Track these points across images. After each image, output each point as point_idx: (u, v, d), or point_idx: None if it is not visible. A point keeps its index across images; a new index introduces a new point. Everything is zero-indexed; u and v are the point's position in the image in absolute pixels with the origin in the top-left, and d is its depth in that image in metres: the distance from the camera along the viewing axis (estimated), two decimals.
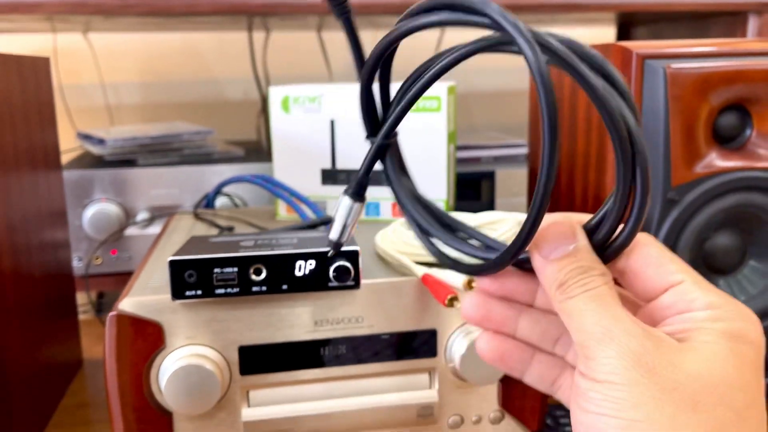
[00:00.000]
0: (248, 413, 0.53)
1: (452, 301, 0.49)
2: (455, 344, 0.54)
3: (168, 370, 0.49)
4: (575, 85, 0.67)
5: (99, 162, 1.04)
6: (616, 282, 0.33)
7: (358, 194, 0.37)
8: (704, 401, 0.26)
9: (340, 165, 0.75)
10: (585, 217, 0.34)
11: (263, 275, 0.49)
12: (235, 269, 0.49)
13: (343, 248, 0.50)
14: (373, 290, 0.53)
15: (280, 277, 0.49)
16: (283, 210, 0.77)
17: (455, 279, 0.50)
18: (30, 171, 0.63)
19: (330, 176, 0.75)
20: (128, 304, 0.50)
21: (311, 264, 0.49)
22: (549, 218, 0.33)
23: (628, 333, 0.28)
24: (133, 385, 0.50)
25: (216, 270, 0.48)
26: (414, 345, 0.54)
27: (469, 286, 0.50)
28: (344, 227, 0.37)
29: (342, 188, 0.75)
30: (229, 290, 0.49)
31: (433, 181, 0.73)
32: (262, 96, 1.30)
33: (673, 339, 0.29)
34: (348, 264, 0.49)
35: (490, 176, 1.11)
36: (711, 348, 0.28)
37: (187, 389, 0.49)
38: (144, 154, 1.02)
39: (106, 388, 0.50)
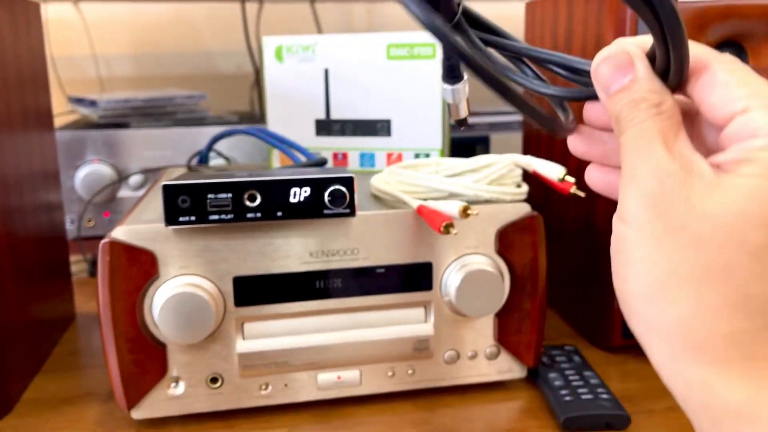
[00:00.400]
0: (243, 345, 0.53)
1: (448, 228, 0.49)
2: (450, 277, 0.54)
3: (161, 299, 0.49)
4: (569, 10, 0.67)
5: (93, 125, 1.03)
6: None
7: (453, 77, 0.36)
8: (711, 240, 0.25)
9: (335, 115, 0.74)
10: (650, 41, 0.30)
11: (258, 201, 0.49)
12: (229, 195, 0.48)
13: (338, 174, 0.49)
14: (369, 222, 0.53)
15: (274, 204, 0.49)
16: (277, 161, 0.77)
17: (451, 207, 0.50)
18: (22, 131, 0.63)
19: (324, 127, 0.75)
20: (121, 231, 0.49)
21: (306, 191, 0.49)
22: (609, 48, 0.30)
23: (653, 172, 0.27)
24: (126, 315, 0.50)
25: (210, 195, 0.48)
26: (409, 278, 0.54)
27: (464, 214, 0.49)
28: (459, 105, 0.37)
29: (336, 139, 0.75)
30: (223, 216, 0.48)
31: (428, 132, 0.73)
32: (256, 68, 1.29)
33: (713, 173, 0.27)
34: (343, 188, 0.49)
35: (484, 141, 1.10)
36: (748, 182, 0.26)
37: (181, 318, 0.49)
38: (136, 118, 1.02)
39: (99, 318, 0.50)
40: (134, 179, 0.96)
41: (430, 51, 0.71)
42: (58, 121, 1.14)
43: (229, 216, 0.48)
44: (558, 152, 0.72)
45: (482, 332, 0.56)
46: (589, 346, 0.66)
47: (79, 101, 1.06)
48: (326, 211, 0.49)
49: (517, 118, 1.17)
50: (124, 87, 1.34)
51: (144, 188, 0.96)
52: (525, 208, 0.55)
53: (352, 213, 0.50)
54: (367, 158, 0.75)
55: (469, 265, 0.53)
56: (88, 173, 0.94)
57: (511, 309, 0.56)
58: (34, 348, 0.63)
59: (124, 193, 0.97)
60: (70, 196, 0.95)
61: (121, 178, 0.94)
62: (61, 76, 1.28)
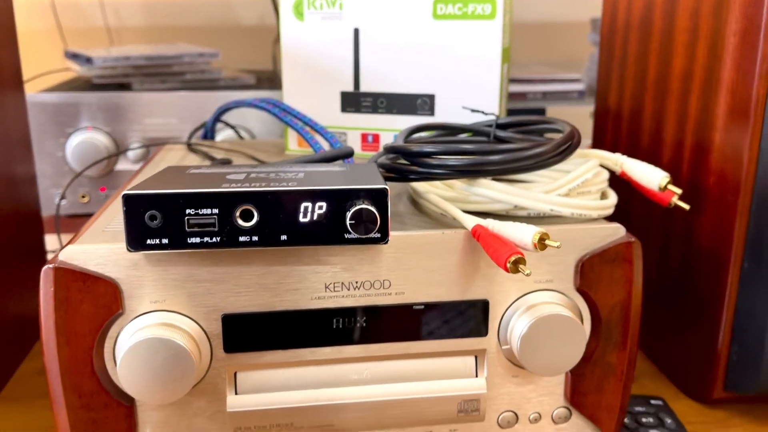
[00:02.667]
0: (235, 402, 0.40)
1: (517, 265, 0.35)
2: (514, 321, 0.40)
3: (125, 345, 0.36)
4: None
5: (88, 86, 0.90)
6: None
7: None
8: None
9: (365, 87, 0.60)
10: None
11: (254, 220, 0.35)
12: (215, 211, 0.35)
13: (366, 185, 0.35)
14: (404, 245, 0.39)
15: (276, 224, 0.35)
16: (293, 142, 0.63)
17: (522, 234, 0.36)
18: None
19: (352, 101, 0.61)
20: (72, 252, 0.37)
21: (321, 207, 0.35)
22: None
23: None
24: (79, 363, 0.37)
25: (189, 211, 0.35)
26: (458, 320, 0.41)
27: (541, 245, 0.36)
28: None
29: (366, 117, 0.61)
30: (206, 240, 0.35)
31: (485, 100, 0.58)
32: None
33: None
34: (372, 208, 0.35)
35: (540, 114, 0.95)
36: None
37: (152, 371, 0.36)
38: (139, 78, 0.88)
39: (45, 365, 0.37)
40: (134, 149, 0.84)
41: (489, 9, 0.55)
42: (55, 80, 1.01)
43: (215, 239, 0.35)
44: (647, 138, 0.57)
45: (550, 390, 0.43)
46: (677, 393, 0.52)
47: (74, 57, 0.93)
48: (348, 236, 0.36)
49: (577, 87, 1.01)
50: (134, 38, 1.20)
51: (144, 161, 0.83)
52: (617, 231, 0.41)
53: (384, 239, 0.36)
54: None
55: (539, 306, 0.40)
56: (81, 142, 0.82)
57: (591, 362, 0.42)
58: None
59: (122, 165, 0.84)
60: (61, 169, 0.83)
61: (119, 152, 0.81)
62: (63, 24, 1.14)
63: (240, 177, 0.38)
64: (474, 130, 0.49)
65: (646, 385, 0.53)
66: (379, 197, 0.35)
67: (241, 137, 0.82)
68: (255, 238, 0.35)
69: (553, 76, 1.01)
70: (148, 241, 0.35)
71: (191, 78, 0.92)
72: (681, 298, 0.52)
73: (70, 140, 0.82)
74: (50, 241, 0.77)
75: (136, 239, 0.35)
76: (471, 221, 0.39)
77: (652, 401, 0.48)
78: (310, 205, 0.35)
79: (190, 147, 0.65)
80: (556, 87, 1.02)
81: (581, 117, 0.94)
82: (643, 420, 0.46)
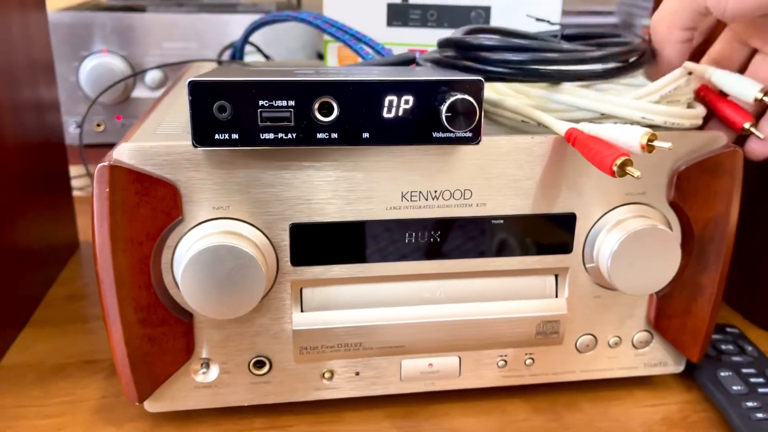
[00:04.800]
0: (301, 319, 0.37)
1: (624, 167, 0.32)
2: (602, 237, 0.37)
3: (186, 254, 0.33)
4: None
5: (101, 6, 0.85)
6: None
7: None
8: None
9: None
10: None
11: (334, 114, 0.31)
12: (291, 103, 0.31)
13: (461, 76, 0.32)
14: (490, 152, 0.36)
15: (358, 120, 0.32)
16: (334, 60, 0.59)
17: (628, 135, 0.33)
18: None
19: (399, 13, 0.56)
20: (127, 151, 0.33)
21: (408, 101, 0.32)
22: None
23: None
24: (135, 274, 0.34)
25: (262, 102, 0.31)
26: (541, 234, 0.37)
27: (649, 146, 0.32)
28: None
29: (416, 31, 0.56)
30: (281, 135, 0.32)
31: (546, 12, 0.54)
32: None
33: None
34: (471, 99, 0.31)
35: None
36: None
37: (217, 282, 0.33)
38: (153, 0, 0.83)
39: (97, 276, 0.34)
40: (152, 76, 0.79)
41: None
42: (66, 2, 0.95)
43: (291, 135, 0.32)
44: None
45: (633, 312, 0.40)
46: (747, 324, 0.50)
47: None
48: (437, 135, 0.32)
49: (611, 19, 0.97)
50: None
51: (164, 88, 0.79)
52: (718, 139, 0.38)
53: (476, 138, 0.33)
54: None
55: (630, 220, 0.37)
56: (96, 66, 0.77)
57: (680, 282, 0.39)
58: (21, 289, 0.48)
59: (140, 92, 0.80)
60: (75, 94, 0.79)
61: (136, 72, 0.76)
62: None
63: (310, 71, 0.34)
64: (538, 39, 0.45)
65: None
66: (476, 89, 0.31)
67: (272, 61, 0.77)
68: (334, 135, 0.32)
69: (586, 7, 0.96)
70: (217, 136, 0.31)
71: (208, 2, 0.86)
72: (755, 221, 0.49)
73: (84, 64, 0.77)
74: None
75: (203, 134, 0.31)
76: (563, 125, 0.35)
77: (728, 329, 0.46)
78: (395, 98, 0.32)
79: (221, 64, 0.61)
80: (588, 20, 0.97)
81: None
82: (723, 347, 0.43)
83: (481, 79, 0.32)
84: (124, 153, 0.33)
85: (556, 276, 0.39)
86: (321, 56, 0.82)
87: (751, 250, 0.50)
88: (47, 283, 0.54)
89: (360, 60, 0.52)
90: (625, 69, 0.39)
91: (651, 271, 0.37)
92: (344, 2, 0.57)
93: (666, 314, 0.40)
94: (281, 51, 0.81)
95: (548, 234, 0.38)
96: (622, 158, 0.32)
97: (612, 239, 0.36)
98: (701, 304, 0.40)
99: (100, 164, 0.32)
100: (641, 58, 0.40)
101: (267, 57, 0.76)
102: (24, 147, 0.50)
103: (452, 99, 0.31)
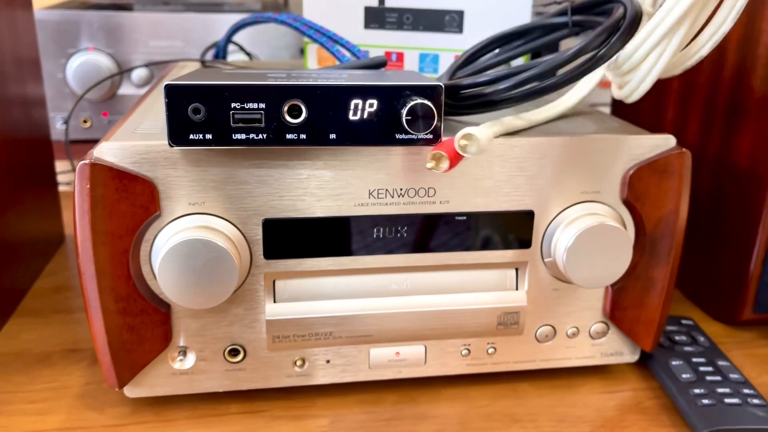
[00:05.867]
0: (273, 309, 0.39)
1: (437, 161, 0.34)
2: (559, 232, 0.39)
3: (164, 247, 0.35)
4: None
5: (88, 4, 0.86)
6: None
7: None
8: None
9: (390, 2, 0.57)
10: None
11: (303, 117, 0.34)
12: (262, 105, 0.33)
13: (421, 81, 0.34)
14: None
15: (325, 122, 0.34)
16: (313, 61, 0.61)
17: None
18: None
19: (376, 16, 0.58)
20: (108, 149, 0.35)
21: (373, 104, 0.34)
22: None
23: None
24: (115, 265, 0.36)
25: (234, 105, 0.33)
26: (501, 231, 0.40)
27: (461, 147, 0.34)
28: None
29: (392, 34, 0.58)
30: (252, 136, 0.34)
31: (517, 16, 0.56)
32: None
33: None
34: (429, 104, 0.33)
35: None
36: None
37: (192, 274, 0.35)
38: None
39: (79, 268, 0.36)
40: (138, 73, 0.81)
41: None
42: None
43: (262, 136, 0.34)
44: None
45: (589, 304, 0.42)
46: (704, 316, 0.52)
47: None
48: (400, 136, 0.34)
49: None
50: None
51: (150, 85, 0.81)
52: (668, 142, 0.40)
53: (436, 140, 0.35)
54: (428, 61, 0.59)
55: (585, 217, 0.39)
56: (83, 63, 0.79)
57: (633, 276, 0.41)
58: (7, 281, 0.50)
59: (126, 89, 0.81)
60: (61, 91, 0.80)
61: (122, 71, 0.78)
62: None
63: (282, 75, 0.36)
64: (548, 25, 0.45)
65: (672, 309, 0.53)
66: (434, 94, 0.34)
67: (254, 60, 0.79)
68: (303, 136, 0.34)
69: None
70: (191, 137, 0.33)
71: (195, 1, 0.88)
72: (712, 219, 0.52)
73: (71, 61, 0.79)
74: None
75: (178, 134, 0.33)
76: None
77: (683, 321, 0.48)
78: (360, 102, 0.34)
79: (204, 64, 0.63)
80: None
81: None
82: (676, 338, 0.46)
83: (441, 84, 0.34)
84: (104, 151, 0.35)
85: (517, 269, 0.41)
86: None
87: (709, 246, 0.52)
88: (33, 276, 0.56)
89: (335, 63, 0.54)
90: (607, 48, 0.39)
91: (604, 266, 0.39)
92: (323, 5, 0.59)
93: (621, 306, 0.42)
94: (265, 50, 0.83)
95: (508, 230, 0.40)
96: (436, 152, 0.34)
97: (567, 235, 0.39)
98: (654, 297, 0.42)
99: (82, 162, 0.34)
100: (628, 26, 0.39)
101: (250, 56, 0.78)
102: (10, 142, 0.52)
103: (412, 103, 0.33)
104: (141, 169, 0.35)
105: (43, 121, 0.61)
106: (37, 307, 0.52)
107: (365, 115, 0.34)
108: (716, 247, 0.51)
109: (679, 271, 0.57)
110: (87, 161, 0.34)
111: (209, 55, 0.72)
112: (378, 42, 0.59)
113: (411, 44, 0.58)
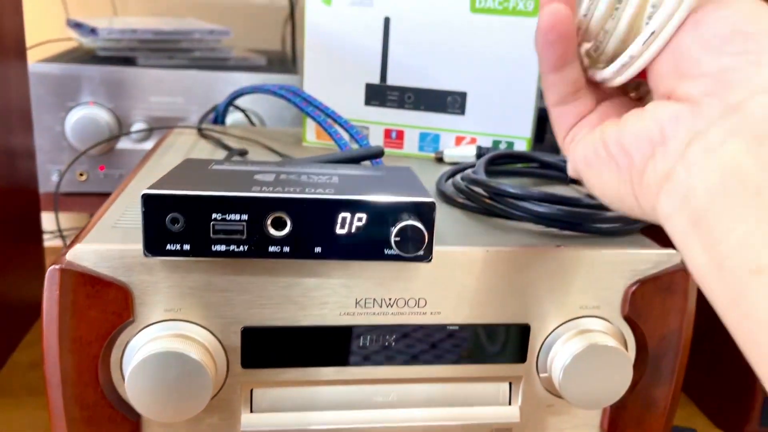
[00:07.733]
0: (251, 420, 0.37)
1: None
2: (556, 349, 0.37)
3: (135, 357, 0.33)
4: None
5: (91, 58, 0.86)
6: None
7: None
8: None
9: (393, 80, 0.56)
10: None
11: (287, 229, 0.32)
12: (244, 217, 0.31)
13: (413, 199, 0.32)
14: (445, 262, 0.36)
15: (311, 235, 0.32)
16: (312, 134, 0.60)
17: None
18: None
19: (377, 94, 0.57)
20: (81, 253, 0.33)
21: (360, 219, 0.32)
22: None
23: None
24: (83, 373, 0.34)
25: (215, 215, 0.31)
26: (494, 344, 0.38)
27: None
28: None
29: (391, 112, 0.57)
30: (233, 248, 0.32)
31: (514, 114, 0.55)
32: (291, 0, 1.10)
33: None
34: (420, 225, 0.32)
35: None
36: None
37: (163, 387, 0.33)
38: (145, 52, 0.84)
39: (45, 373, 0.34)
40: (137, 128, 0.80)
41: (531, 5, 0.52)
42: (55, 49, 0.97)
43: (243, 248, 0.32)
44: None
45: (585, 421, 0.40)
46: (708, 423, 0.50)
47: (77, 26, 0.88)
48: (389, 252, 0.33)
49: None
50: (139, 10, 1.15)
51: (148, 141, 0.80)
52: (672, 258, 0.38)
53: (427, 257, 0.33)
54: (429, 140, 0.58)
55: (585, 335, 0.37)
56: (82, 117, 0.77)
57: (633, 394, 0.39)
58: None
59: (124, 144, 0.80)
60: (59, 144, 0.79)
61: (123, 133, 0.77)
62: None
63: (269, 178, 0.35)
64: (558, 167, 0.48)
65: (677, 412, 0.51)
66: (426, 212, 0.32)
67: (252, 122, 0.78)
68: (286, 249, 0.32)
69: None
70: (168, 247, 0.31)
71: (200, 56, 0.87)
72: (719, 329, 0.49)
73: (71, 115, 0.78)
74: (46, 219, 0.73)
75: (154, 244, 0.31)
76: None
77: None
78: (349, 216, 0.32)
79: (201, 132, 0.62)
80: None
81: None
82: None
83: (433, 201, 0.32)
84: (78, 255, 0.33)
85: (510, 384, 0.39)
86: None
87: (716, 352, 0.50)
88: (10, 348, 0.54)
89: (329, 139, 0.52)
90: None
91: (602, 386, 0.37)
92: (324, 80, 0.58)
93: (619, 425, 0.40)
94: (267, 108, 0.82)
95: (502, 343, 0.38)
96: None
97: (564, 353, 0.36)
98: (654, 417, 0.40)
99: (52, 266, 0.32)
100: None
101: (248, 117, 0.77)
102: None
103: (402, 224, 0.31)
104: (116, 273, 0.33)
105: (31, 173, 0.59)
106: (10, 386, 0.49)
107: (353, 230, 0.32)
108: (723, 356, 0.49)
109: (685, 375, 0.54)
110: (57, 267, 0.32)
111: (209, 120, 0.71)
112: (378, 119, 0.58)
113: (412, 123, 0.57)
